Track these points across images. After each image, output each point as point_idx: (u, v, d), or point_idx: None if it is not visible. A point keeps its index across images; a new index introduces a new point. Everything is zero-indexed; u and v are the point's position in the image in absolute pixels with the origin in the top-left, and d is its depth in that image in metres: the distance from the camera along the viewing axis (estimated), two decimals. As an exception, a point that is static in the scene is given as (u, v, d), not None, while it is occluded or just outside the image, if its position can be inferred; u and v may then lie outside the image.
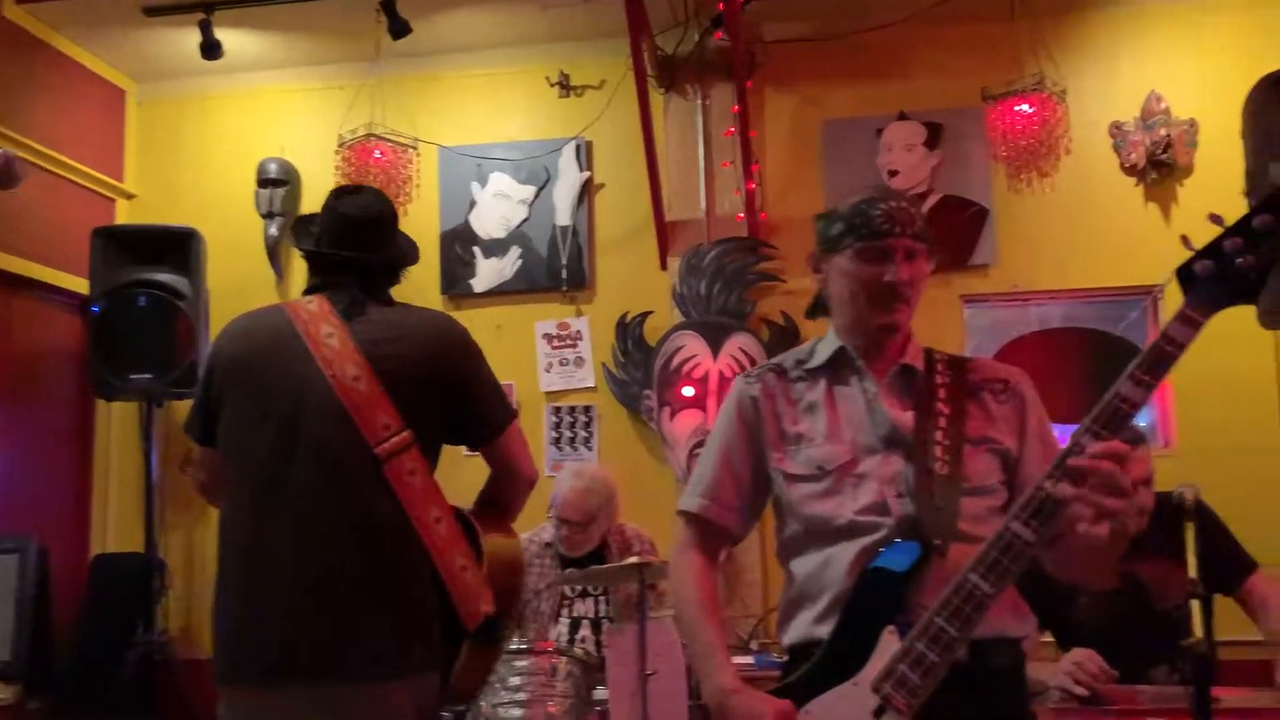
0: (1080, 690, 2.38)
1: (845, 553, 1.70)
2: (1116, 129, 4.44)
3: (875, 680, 1.58)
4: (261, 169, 4.98)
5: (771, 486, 1.84)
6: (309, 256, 2.27)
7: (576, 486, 3.70)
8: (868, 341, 1.82)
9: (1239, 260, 1.50)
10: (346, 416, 2.01)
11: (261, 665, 1.96)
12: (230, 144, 5.14)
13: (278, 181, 4.98)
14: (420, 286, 4.98)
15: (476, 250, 4.93)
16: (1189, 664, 1.78)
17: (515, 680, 3.01)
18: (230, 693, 2.03)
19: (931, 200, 4.58)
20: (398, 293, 2.30)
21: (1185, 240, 1.57)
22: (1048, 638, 2.90)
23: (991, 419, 1.78)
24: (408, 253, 2.35)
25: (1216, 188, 4.05)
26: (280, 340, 2.09)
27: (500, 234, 4.91)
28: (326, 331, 2.08)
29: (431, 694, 2.04)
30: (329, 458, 2.01)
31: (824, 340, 1.88)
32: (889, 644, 1.59)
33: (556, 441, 4.79)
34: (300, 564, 1.97)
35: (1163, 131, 4.35)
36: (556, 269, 4.83)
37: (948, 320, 4.50)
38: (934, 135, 4.61)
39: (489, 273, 4.91)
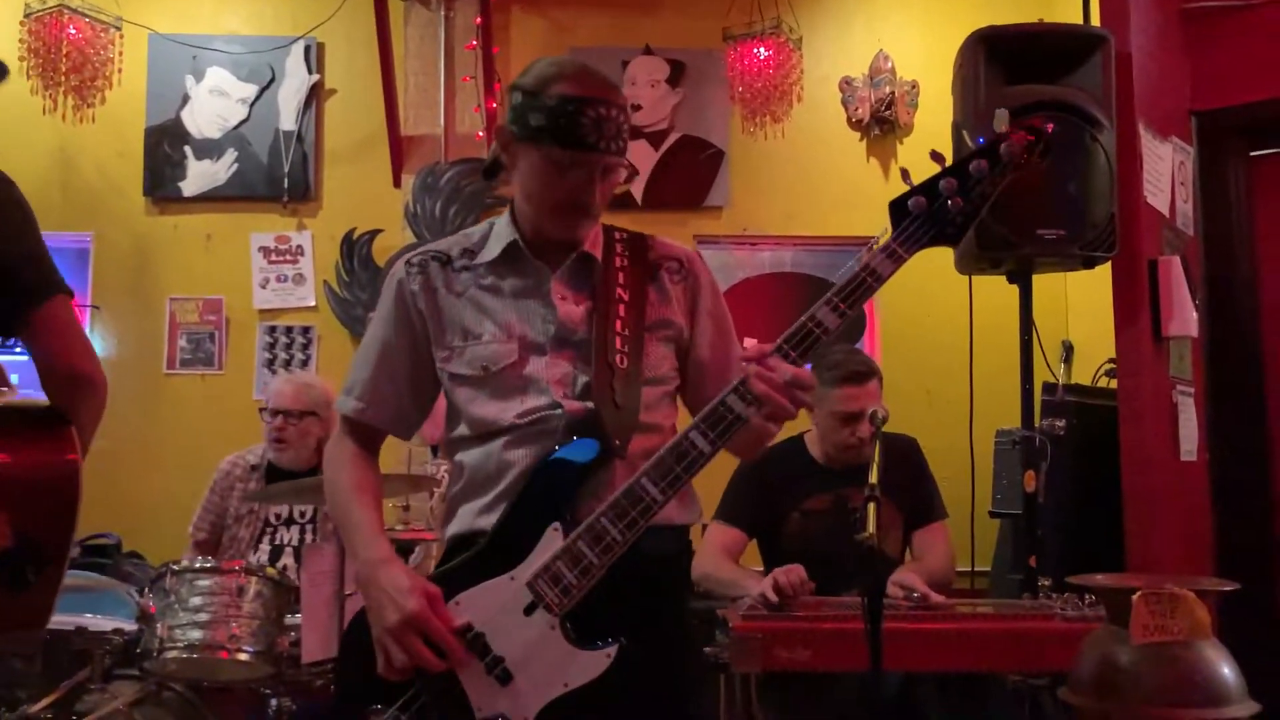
0: (774, 598, 2.45)
1: (515, 445, 1.62)
2: (846, 83, 4.62)
3: (531, 576, 1.53)
4: (-72, 37, 4.34)
5: (437, 381, 1.72)
6: None
7: (293, 379, 3.59)
8: (545, 241, 1.69)
9: (950, 202, 1.52)
10: None
11: None
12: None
13: (-50, 53, 4.35)
14: (121, 186, 4.54)
15: (188, 150, 4.51)
16: (861, 559, 1.84)
17: (196, 600, 2.77)
18: None
19: (671, 139, 4.60)
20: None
21: (905, 174, 1.58)
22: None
23: (668, 300, 1.73)
24: None
25: (932, 148, 4.27)
26: None
27: (215, 134, 4.52)
28: None
29: None
30: None
31: (497, 229, 1.73)
32: (552, 541, 1.53)
33: (270, 363, 4.49)
34: None
35: (887, 89, 4.55)
36: (277, 177, 4.50)
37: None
38: (676, 73, 4.62)
39: (200, 176, 4.51)
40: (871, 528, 1.86)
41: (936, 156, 1.61)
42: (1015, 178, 1.60)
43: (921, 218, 1.53)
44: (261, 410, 3.55)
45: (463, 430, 1.68)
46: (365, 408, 1.71)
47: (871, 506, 1.92)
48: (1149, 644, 1.68)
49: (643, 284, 1.70)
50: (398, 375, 1.70)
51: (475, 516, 1.64)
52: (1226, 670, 1.72)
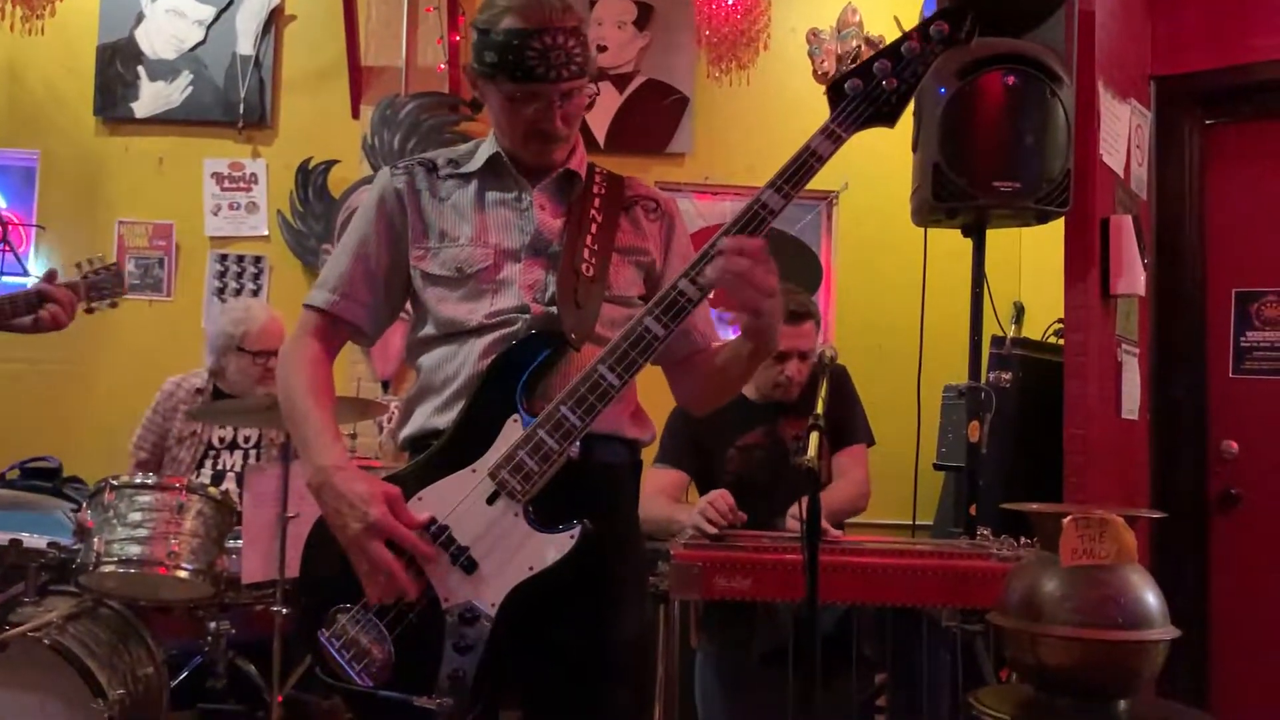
0: (710, 528, 2.47)
1: (476, 345, 1.65)
2: (814, 35, 4.60)
3: (493, 466, 1.54)
4: None
5: (410, 286, 1.74)
6: None
7: (275, 316, 3.48)
8: (526, 157, 1.73)
9: (885, 82, 1.56)
10: None
11: None
12: None
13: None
14: (70, 104, 4.43)
15: (141, 70, 4.41)
16: (801, 480, 1.85)
17: (135, 516, 2.75)
18: None
19: (636, 82, 4.57)
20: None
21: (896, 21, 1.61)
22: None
23: (642, 234, 1.79)
24: None
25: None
26: None
27: (170, 55, 4.42)
28: None
29: None
30: None
31: (486, 142, 1.78)
32: (512, 432, 1.55)
33: (220, 292, 4.43)
34: None
35: (854, 44, 4.55)
36: (233, 102, 4.41)
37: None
38: (644, 15, 4.58)
39: (154, 97, 4.41)
40: (813, 452, 1.87)
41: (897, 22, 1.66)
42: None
43: (858, 98, 1.56)
44: (238, 349, 3.42)
45: (429, 330, 1.71)
46: (338, 300, 1.70)
47: (815, 434, 1.93)
48: (1076, 567, 1.72)
49: (616, 212, 1.75)
50: (374, 273, 1.72)
51: (430, 416, 1.66)
52: (1150, 595, 1.76)
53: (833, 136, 1.57)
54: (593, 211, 1.72)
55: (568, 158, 1.76)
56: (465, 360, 1.64)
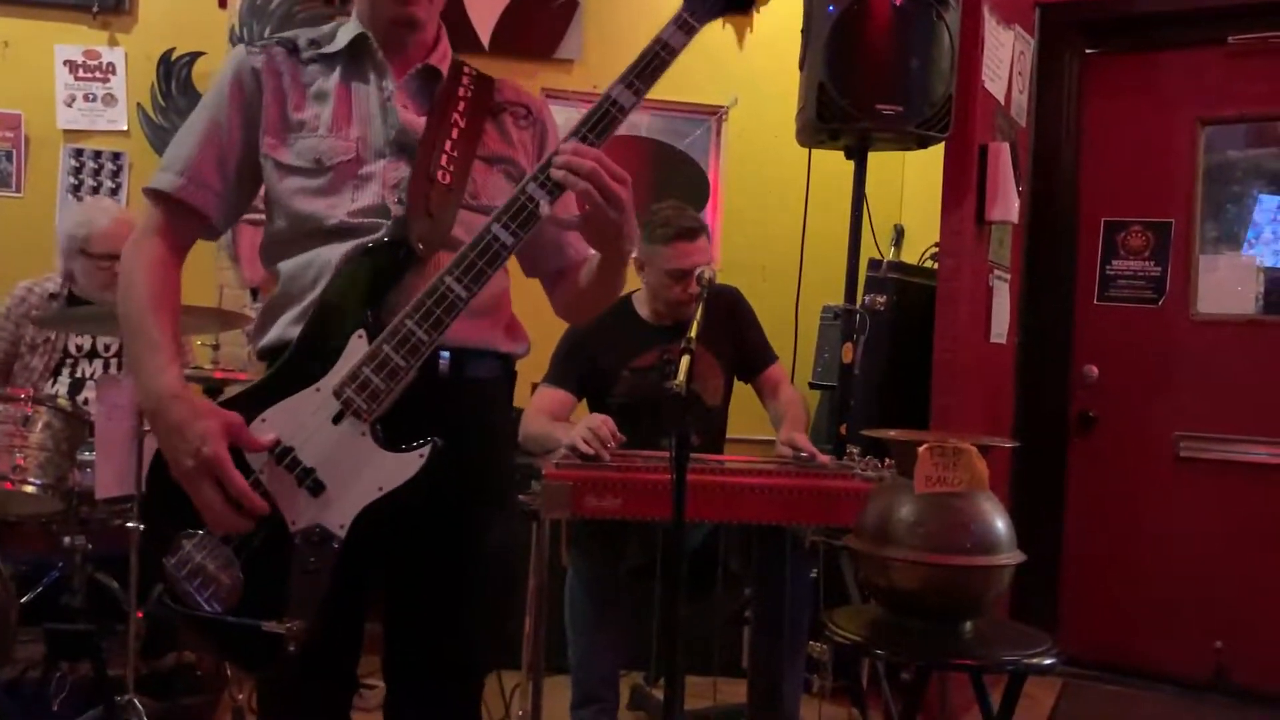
0: (587, 449, 2.46)
1: (333, 254, 1.55)
2: (708, -57, 4.47)
3: (338, 384, 1.47)
4: None
5: (259, 178, 1.62)
6: None
7: (112, 214, 3.29)
8: (387, 34, 1.63)
9: None
10: None
11: None
12: None
13: None
14: (-101, -22, 4.04)
15: (-19, -57, 4.05)
16: (670, 407, 1.85)
17: (-25, 429, 2.61)
18: None
19: (523, -17, 4.39)
20: None
21: None
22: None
23: (510, 143, 1.70)
24: None
25: (790, 19, 4.23)
26: None
27: (14, -73, 4.07)
28: None
29: None
30: None
31: (346, 24, 1.66)
32: (357, 348, 1.48)
33: (76, 189, 4.16)
34: None
35: (748, -47, 4.43)
36: (87, -16, 4.10)
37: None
38: (533, -88, 4.39)
39: (-3, -27, 4.06)
40: (682, 377, 1.86)
41: None
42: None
43: None
44: (81, 252, 3.24)
45: (281, 225, 1.59)
46: (185, 184, 1.56)
47: (685, 358, 1.93)
48: (929, 494, 1.77)
49: (481, 118, 1.66)
50: (226, 158, 1.59)
51: (286, 326, 1.58)
52: (999, 522, 1.82)
53: (685, 27, 1.51)
54: (455, 115, 1.63)
55: (429, 52, 1.66)
56: (322, 269, 1.55)
